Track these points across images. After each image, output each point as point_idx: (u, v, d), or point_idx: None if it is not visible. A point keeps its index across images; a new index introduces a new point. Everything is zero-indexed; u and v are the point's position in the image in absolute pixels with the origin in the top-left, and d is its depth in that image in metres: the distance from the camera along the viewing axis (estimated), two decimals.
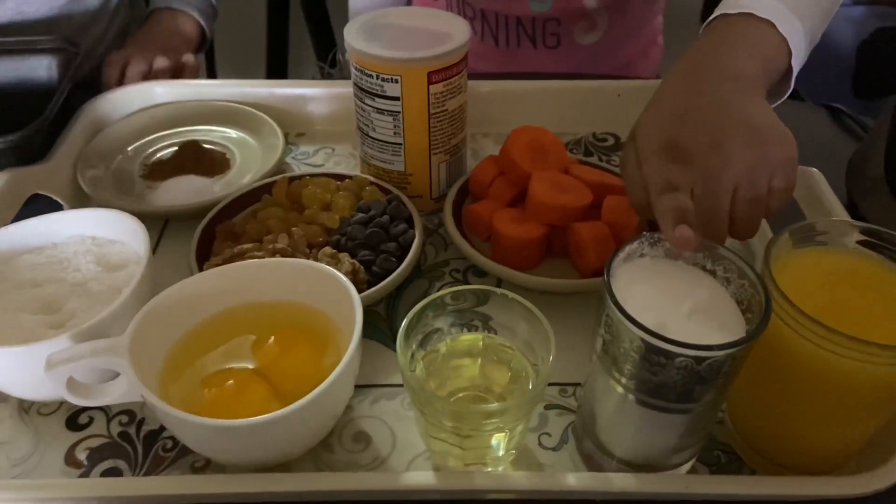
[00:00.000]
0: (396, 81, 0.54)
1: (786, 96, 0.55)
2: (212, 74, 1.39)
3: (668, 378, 0.35)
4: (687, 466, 0.42)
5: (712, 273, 0.39)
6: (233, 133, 0.69)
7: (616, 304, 0.35)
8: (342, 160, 0.69)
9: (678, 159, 0.45)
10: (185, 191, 0.61)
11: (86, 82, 0.76)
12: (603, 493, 0.39)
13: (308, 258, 0.52)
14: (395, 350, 0.51)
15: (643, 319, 0.34)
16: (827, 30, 1.24)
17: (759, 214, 0.45)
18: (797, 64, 0.52)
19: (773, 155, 0.44)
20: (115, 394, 0.41)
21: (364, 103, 0.57)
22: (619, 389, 0.38)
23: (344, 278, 0.43)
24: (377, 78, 0.55)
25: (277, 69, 1.36)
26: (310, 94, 0.71)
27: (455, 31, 0.56)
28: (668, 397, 0.36)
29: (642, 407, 0.37)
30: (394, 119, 0.57)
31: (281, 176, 0.60)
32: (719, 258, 0.38)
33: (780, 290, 0.36)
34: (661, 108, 0.48)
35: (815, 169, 0.57)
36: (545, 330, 0.41)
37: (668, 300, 0.37)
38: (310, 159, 0.69)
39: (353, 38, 0.55)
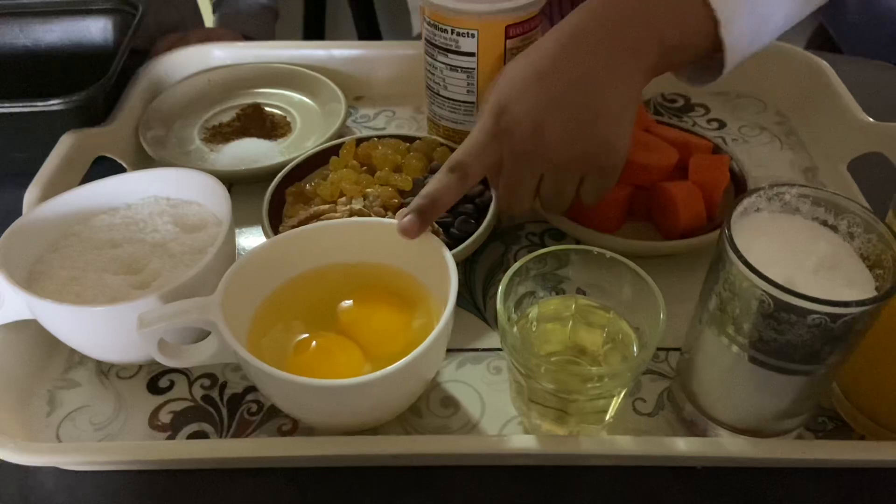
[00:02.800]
0: (473, 36, 0.52)
1: (723, 75, 0.47)
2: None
3: (797, 337, 0.33)
4: (795, 433, 0.40)
5: (833, 228, 0.37)
6: (293, 96, 0.67)
7: (742, 259, 0.33)
8: (404, 123, 0.67)
9: (498, 132, 0.43)
10: (248, 154, 0.60)
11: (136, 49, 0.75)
12: (715, 458, 0.37)
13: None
14: (475, 314, 0.50)
15: (770, 275, 0.33)
16: None
17: (562, 204, 0.46)
18: (733, 37, 0.44)
19: (593, 159, 0.44)
20: (205, 354, 0.39)
21: (436, 60, 0.55)
22: (735, 350, 0.36)
23: (437, 239, 0.42)
24: (452, 33, 0.53)
25: (314, 35, 1.34)
26: (370, 55, 0.69)
27: None
28: (793, 357, 0.34)
29: (760, 368, 0.35)
30: (467, 76, 0.55)
31: (350, 137, 0.58)
32: (843, 212, 0.36)
33: None
34: (528, 60, 0.45)
35: None
36: (652, 290, 0.39)
37: (792, 256, 0.35)
38: (371, 122, 0.67)
39: None
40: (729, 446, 0.37)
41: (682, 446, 0.37)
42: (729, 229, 0.35)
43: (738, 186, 0.54)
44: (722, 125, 0.66)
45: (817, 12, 1.54)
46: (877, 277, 0.35)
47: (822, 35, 1.55)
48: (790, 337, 0.33)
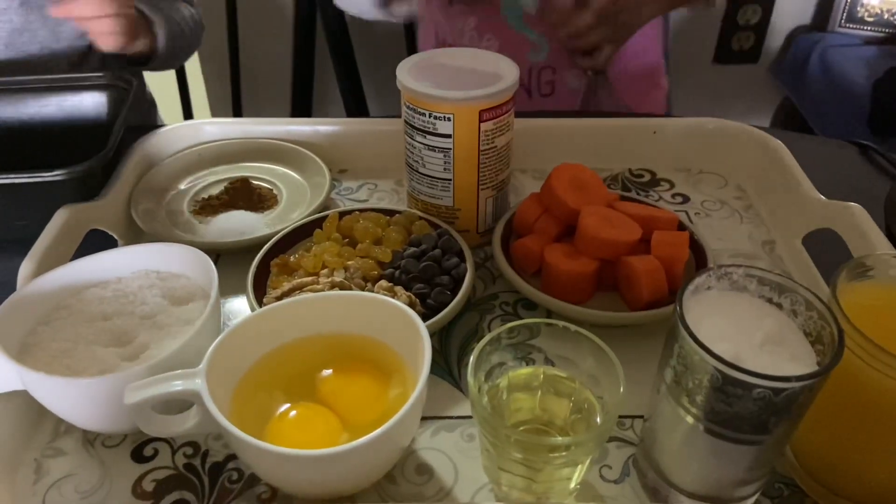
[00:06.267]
0: (449, 119, 0.56)
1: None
2: (237, 110, 1.41)
3: (744, 409, 0.35)
4: (753, 499, 0.42)
5: (779, 305, 0.40)
6: (280, 169, 0.70)
7: (692, 336, 0.36)
8: (385, 195, 0.70)
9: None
10: (236, 226, 0.62)
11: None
12: None
13: (364, 291, 0.52)
14: (450, 382, 0.52)
15: (718, 351, 0.35)
16: (842, 69, 1.42)
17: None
18: None
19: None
20: (189, 424, 0.41)
21: (414, 140, 0.59)
22: (690, 420, 0.38)
23: (412, 312, 0.44)
24: (429, 116, 0.56)
25: (302, 106, 1.39)
26: (353, 131, 0.73)
27: (504, 71, 0.58)
28: (743, 428, 0.37)
29: (714, 438, 0.38)
30: (444, 155, 0.58)
31: (332, 211, 0.61)
32: (786, 290, 0.39)
33: (851, 322, 0.37)
34: None
35: (856, 205, 0.58)
36: (612, 362, 0.41)
37: (740, 332, 0.38)
38: (353, 195, 0.70)
39: (406, 77, 0.57)
40: None
41: None
42: (681, 307, 0.37)
43: (700, 259, 0.58)
44: (686, 199, 0.70)
45: (784, 85, 1.68)
46: (818, 353, 0.37)
47: (788, 108, 1.63)
48: (738, 409, 0.36)
